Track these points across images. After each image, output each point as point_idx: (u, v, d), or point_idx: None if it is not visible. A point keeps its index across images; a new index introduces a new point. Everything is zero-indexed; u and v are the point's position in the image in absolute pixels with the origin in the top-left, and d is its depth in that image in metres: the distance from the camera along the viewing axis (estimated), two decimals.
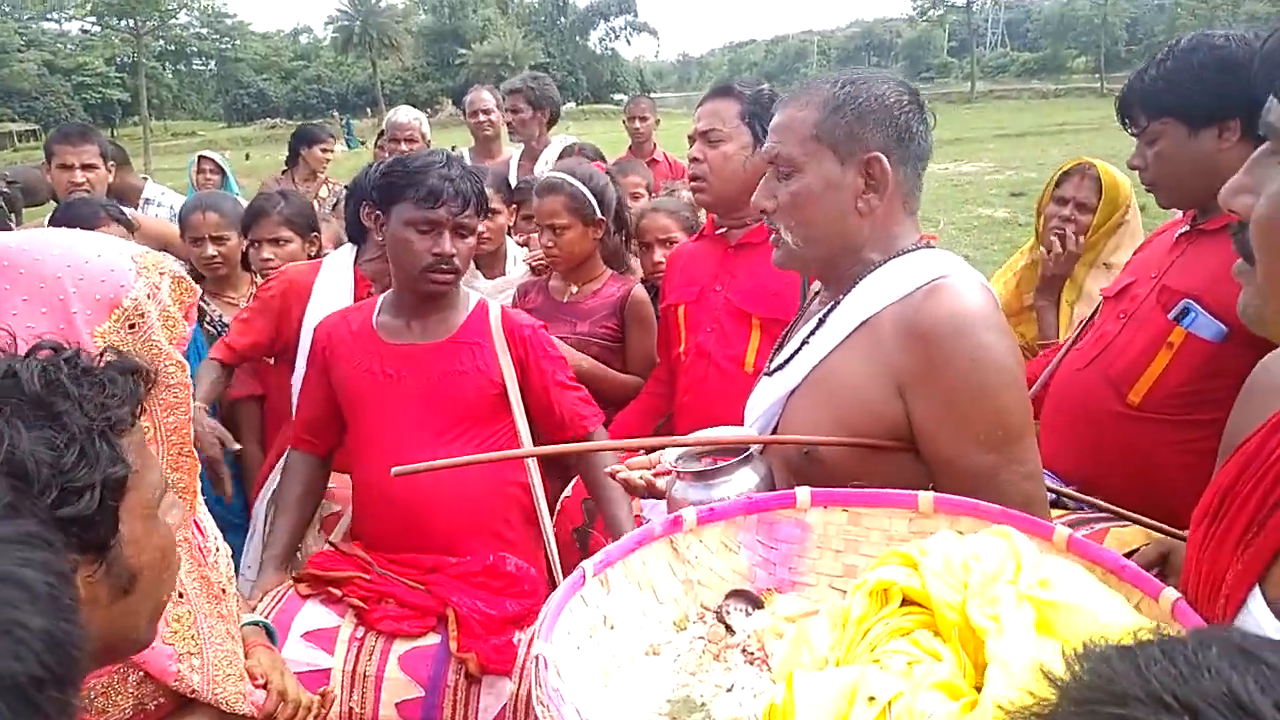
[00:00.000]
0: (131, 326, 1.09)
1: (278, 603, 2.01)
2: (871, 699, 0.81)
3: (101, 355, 0.86)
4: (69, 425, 0.78)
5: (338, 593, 2.02)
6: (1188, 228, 1.99)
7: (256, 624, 1.55)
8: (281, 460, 2.43)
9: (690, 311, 2.46)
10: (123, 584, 0.85)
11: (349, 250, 2.71)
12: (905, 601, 0.97)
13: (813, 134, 1.42)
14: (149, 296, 1.10)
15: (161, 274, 1.12)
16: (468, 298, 2.23)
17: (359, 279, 2.64)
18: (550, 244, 2.80)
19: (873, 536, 1.20)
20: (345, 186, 3.55)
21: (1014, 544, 0.96)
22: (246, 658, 1.42)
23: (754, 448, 1.51)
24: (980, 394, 1.31)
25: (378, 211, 2.19)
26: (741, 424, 1.60)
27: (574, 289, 2.87)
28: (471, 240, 2.15)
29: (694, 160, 2.40)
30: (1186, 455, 1.82)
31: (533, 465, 2.19)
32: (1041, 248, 2.82)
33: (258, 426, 2.92)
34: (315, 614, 2.00)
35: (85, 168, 3.69)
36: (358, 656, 1.95)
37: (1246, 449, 0.96)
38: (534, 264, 3.08)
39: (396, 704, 1.93)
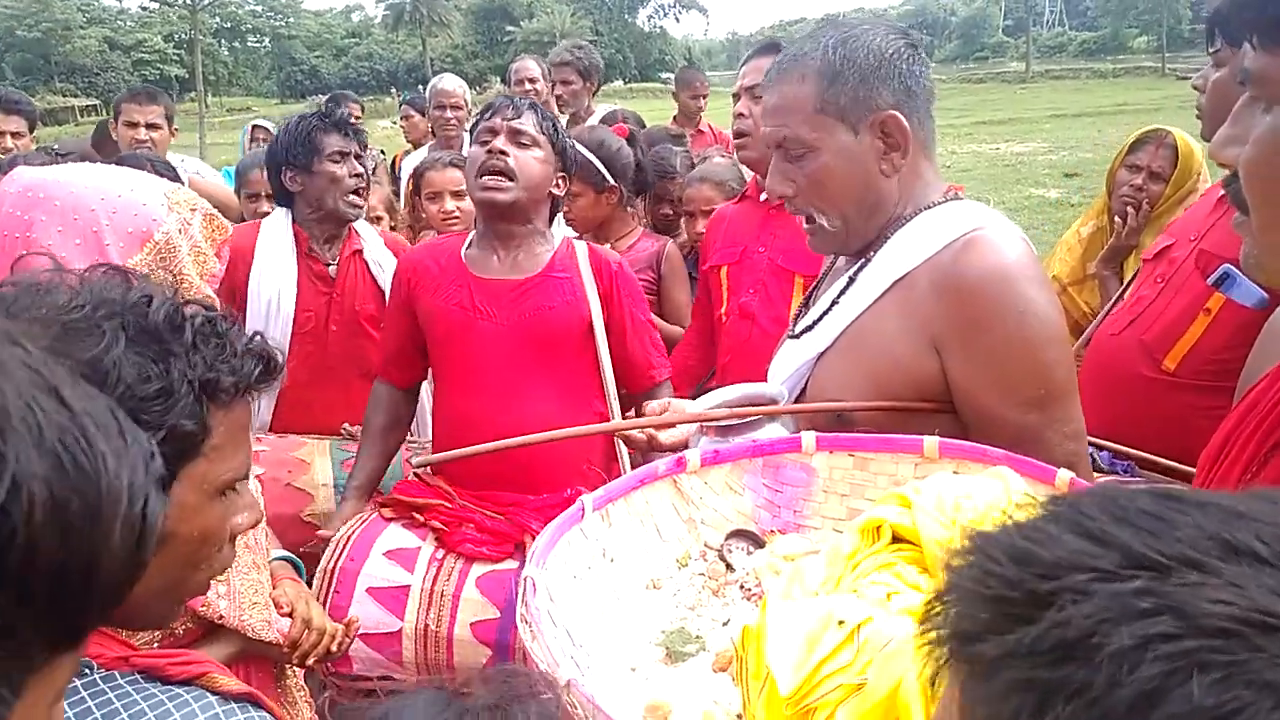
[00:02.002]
0: (162, 259, 1.14)
1: (362, 524, 2.07)
2: (841, 623, 0.83)
3: (252, 339, 0.88)
4: (169, 366, 0.79)
5: (420, 517, 2.07)
6: (1225, 191, 1.95)
7: (286, 559, 1.60)
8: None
9: (732, 272, 2.48)
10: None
11: (284, 214, 2.71)
12: (896, 539, 0.98)
13: (816, 108, 1.35)
14: (180, 231, 1.14)
15: (193, 210, 1.17)
16: (554, 235, 2.25)
17: (298, 234, 2.65)
18: (566, 209, 2.87)
19: (879, 481, 1.21)
20: (381, 151, 3.63)
21: (1008, 484, 0.97)
22: (273, 589, 1.47)
23: (781, 404, 1.51)
24: (1024, 350, 1.27)
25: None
26: None
27: (607, 245, 2.92)
28: (530, 156, 2.13)
29: (739, 116, 2.40)
30: (1220, 422, 1.80)
31: (615, 402, 2.18)
32: (1116, 217, 2.77)
33: None
34: (398, 535, 2.06)
35: (150, 126, 3.86)
36: (436, 575, 2.00)
37: (1251, 395, 0.96)
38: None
39: (471, 624, 1.96)
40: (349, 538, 2.03)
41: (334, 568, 1.98)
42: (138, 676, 0.83)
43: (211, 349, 0.83)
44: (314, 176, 2.57)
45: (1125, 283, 2.24)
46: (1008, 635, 0.38)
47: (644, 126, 4.19)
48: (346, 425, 2.54)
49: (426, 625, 1.96)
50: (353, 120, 2.74)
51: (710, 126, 5.49)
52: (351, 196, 2.60)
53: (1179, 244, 2.01)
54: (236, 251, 2.65)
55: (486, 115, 2.17)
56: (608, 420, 2.17)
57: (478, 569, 2.01)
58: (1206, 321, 1.87)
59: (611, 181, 2.84)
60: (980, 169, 14.52)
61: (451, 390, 2.16)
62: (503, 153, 2.08)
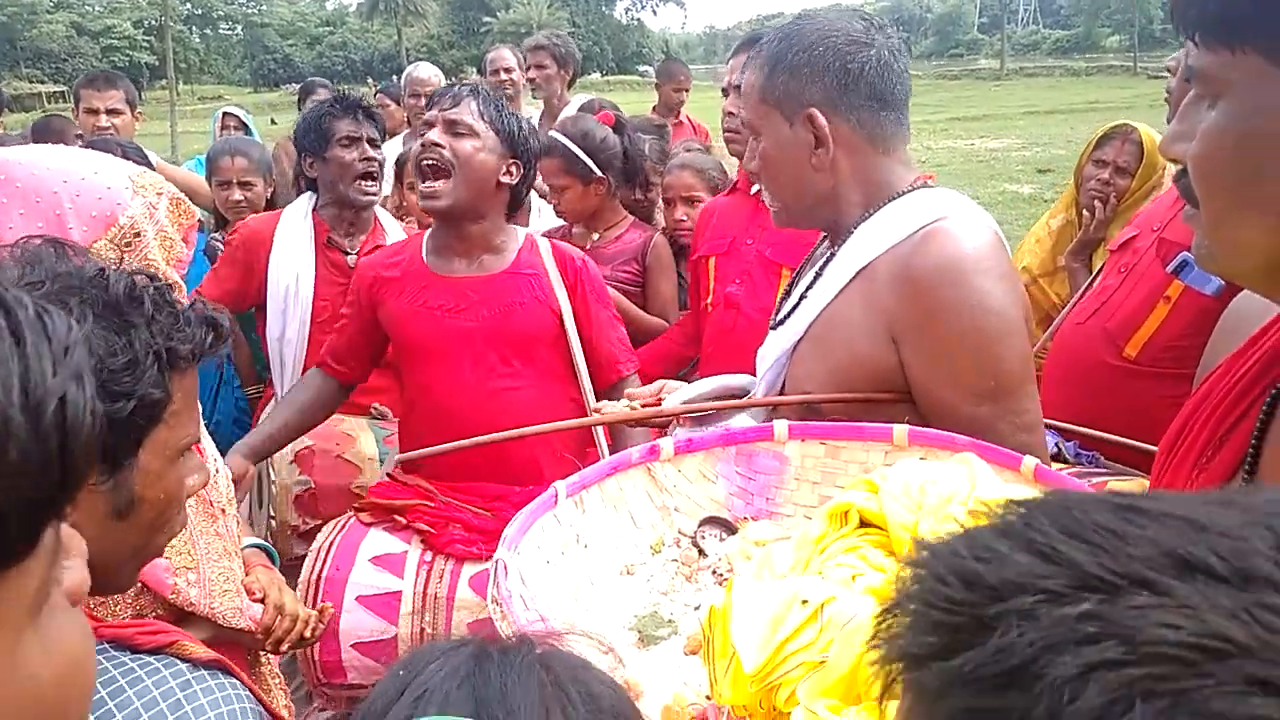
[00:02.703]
0: (127, 244, 1.12)
1: (341, 531, 2.02)
2: (804, 602, 0.85)
3: (194, 304, 0.90)
4: (133, 338, 0.81)
5: (402, 520, 2.03)
6: None
7: (259, 547, 1.59)
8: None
9: (720, 263, 2.50)
10: (120, 507, 0.87)
11: (307, 198, 2.73)
12: (864, 524, 1.00)
13: (760, 97, 1.40)
14: (146, 216, 1.13)
15: (159, 194, 1.15)
16: (516, 231, 2.22)
17: (318, 223, 2.66)
18: (555, 202, 2.90)
19: (850, 469, 1.23)
20: None
21: (972, 469, 0.98)
22: (246, 576, 1.46)
23: (753, 394, 1.52)
24: (973, 343, 1.28)
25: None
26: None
27: (595, 236, 2.94)
28: (468, 147, 2.08)
29: (729, 114, 2.41)
30: (1180, 409, 1.83)
31: (590, 396, 2.16)
32: (1084, 210, 2.81)
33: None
34: (381, 540, 2.01)
35: (110, 112, 3.77)
36: (428, 579, 1.97)
37: (1206, 383, 0.98)
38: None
39: (468, 625, 1.93)
40: (330, 545, 1.99)
41: (318, 577, 1.94)
42: (107, 646, 0.84)
43: (167, 318, 0.85)
44: (327, 163, 2.58)
45: (1093, 274, 2.28)
46: (952, 661, 0.38)
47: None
48: (376, 405, 2.56)
49: (422, 629, 1.94)
50: (367, 105, 2.70)
51: (689, 118, 5.50)
52: (361, 182, 2.59)
53: (1142, 235, 2.05)
54: (257, 238, 2.67)
55: (427, 106, 2.15)
56: (584, 411, 2.16)
57: (469, 569, 1.98)
58: (1167, 309, 1.90)
59: (598, 173, 2.82)
60: (955, 164, 14.63)
61: (426, 389, 2.13)
62: (436, 144, 2.03)
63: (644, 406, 1.59)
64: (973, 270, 1.27)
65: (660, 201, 3.19)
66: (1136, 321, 1.94)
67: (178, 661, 0.84)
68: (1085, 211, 2.79)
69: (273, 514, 2.44)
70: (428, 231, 2.23)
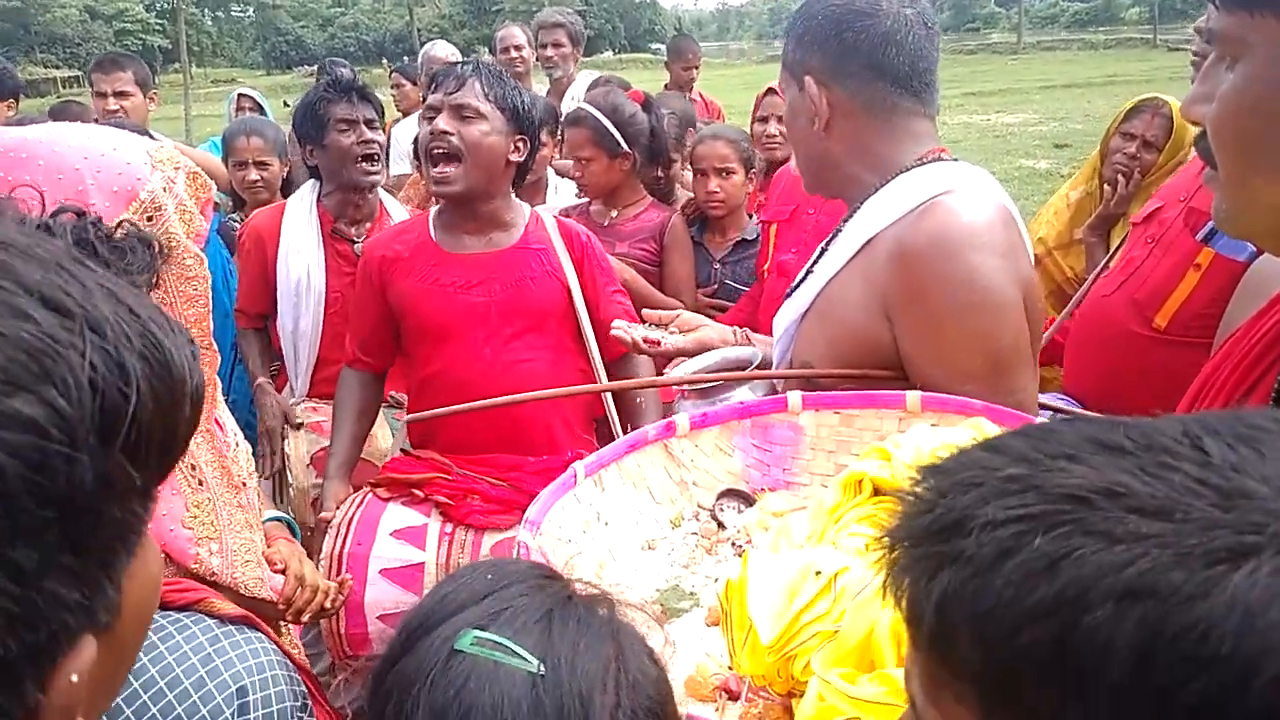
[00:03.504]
0: (149, 219, 1.13)
1: (359, 507, 2.03)
2: (818, 573, 0.85)
3: (118, 226, 0.89)
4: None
5: (420, 493, 2.04)
6: None
7: (279, 520, 1.61)
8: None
9: (781, 230, 2.55)
10: None
11: (311, 188, 2.72)
12: (877, 492, 1.00)
13: (782, 64, 1.48)
14: (165, 189, 1.14)
15: (176, 168, 1.16)
16: (523, 207, 2.23)
17: (322, 214, 2.66)
18: (579, 174, 2.89)
19: (865, 437, 1.23)
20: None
21: (983, 432, 0.99)
22: (267, 548, 1.48)
23: (754, 366, 1.54)
24: (963, 320, 1.25)
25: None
26: None
27: (614, 213, 2.93)
28: (474, 131, 2.06)
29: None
30: None
31: (599, 368, 2.18)
32: (1106, 184, 2.78)
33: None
34: (401, 514, 2.03)
35: (118, 95, 3.76)
36: (449, 549, 1.99)
37: (1226, 345, 0.98)
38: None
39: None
40: (350, 521, 2.00)
41: (341, 553, 1.96)
42: None
43: (113, 253, 0.84)
44: (326, 149, 2.56)
45: (1114, 248, 2.26)
46: (914, 525, 0.47)
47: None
48: (393, 393, 2.56)
49: None
50: (361, 86, 2.67)
51: (702, 96, 5.46)
52: (363, 164, 2.57)
53: (1168, 206, 2.04)
54: (263, 233, 2.68)
55: (431, 89, 2.12)
56: (597, 378, 2.18)
57: (489, 538, 2.00)
58: (1196, 277, 1.90)
59: (625, 147, 2.81)
60: (971, 140, 14.48)
61: (442, 368, 2.13)
62: (445, 133, 2.02)
63: (645, 342, 1.65)
64: (965, 245, 1.25)
65: (680, 181, 3.18)
66: (1166, 291, 1.94)
67: (206, 618, 0.86)
68: (1107, 186, 2.75)
69: (290, 497, 2.46)
70: (434, 210, 2.23)
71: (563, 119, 3.14)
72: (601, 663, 0.68)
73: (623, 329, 1.65)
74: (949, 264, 1.25)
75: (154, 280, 0.88)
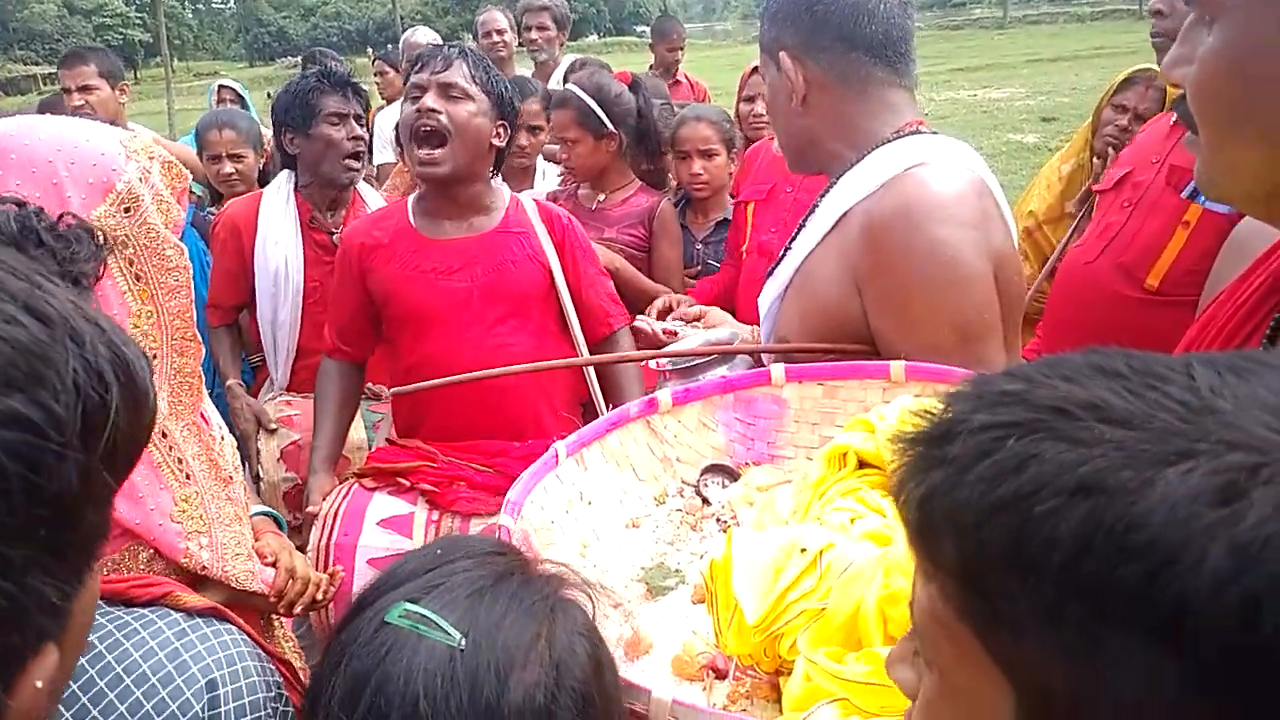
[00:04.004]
0: (126, 210, 1.12)
1: (345, 497, 2.03)
2: (803, 550, 0.86)
3: (61, 218, 0.88)
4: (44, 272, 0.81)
5: (406, 482, 2.04)
6: None
7: (266, 514, 1.61)
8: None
9: (759, 209, 2.53)
10: None
11: (286, 177, 2.71)
12: (862, 464, 1.00)
13: (760, 46, 1.48)
14: (141, 180, 1.13)
15: (151, 158, 1.15)
16: (503, 191, 2.22)
17: (300, 204, 2.65)
18: (565, 156, 2.88)
19: (849, 408, 1.23)
20: None
21: None
22: (256, 542, 1.48)
23: (736, 344, 1.55)
24: (930, 292, 1.25)
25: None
26: None
27: (601, 197, 2.92)
28: (464, 111, 2.05)
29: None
30: None
31: (583, 350, 2.19)
32: (1096, 156, 2.77)
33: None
34: (387, 503, 2.02)
35: (82, 90, 3.68)
36: (437, 536, 1.98)
37: (1210, 307, 0.98)
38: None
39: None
40: (336, 512, 2.00)
41: (328, 544, 1.96)
42: (102, 603, 0.84)
43: (58, 240, 0.84)
44: (311, 140, 2.54)
45: (1080, 217, 2.27)
46: (917, 435, 0.50)
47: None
48: (370, 385, 2.55)
49: None
50: (354, 81, 2.66)
51: (687, 77, 5.44)
52: (349, 161, 2.57)
53: (1140, 168, 2.05)
54: (239, 223, 2.65)
55: (415, 69, 2.10)
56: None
57: (477, 524, 2.00)
58: (1186, 234, 1.91)
59: (610, 128, 2.80)
60: (958, 115, 14.44)
61: (427, 354, 2.11)
62: (433, 110, 2.01)
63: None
64: (930, 216, 1.25)
65: (672, 165, 3.16)
66: (1155, 251, 1.95)
67: (172, 612, 0.85)
68: (1096, 158, 2.75)
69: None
70: (413, 196, 2.22)
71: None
72: (526, 639, 0.69)
73: (646, 322, 1.70)
74: (914, 236, 1.25)
75: (100, 270, 0.88)
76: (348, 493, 2.05)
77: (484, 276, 2.09)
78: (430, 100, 2.01)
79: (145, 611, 0.84)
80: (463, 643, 0.68)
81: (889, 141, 1.37)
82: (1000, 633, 0.46)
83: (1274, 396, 0.43)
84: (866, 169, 1.35)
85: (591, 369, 2.20)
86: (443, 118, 2.01)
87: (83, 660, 0.77)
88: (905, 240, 1.25)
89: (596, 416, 2.19)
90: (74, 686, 0.76)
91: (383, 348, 2.29)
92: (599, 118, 2.78)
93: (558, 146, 3.50)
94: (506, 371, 1.58)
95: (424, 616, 0.69)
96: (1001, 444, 0.45)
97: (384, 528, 1.99)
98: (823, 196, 1.41)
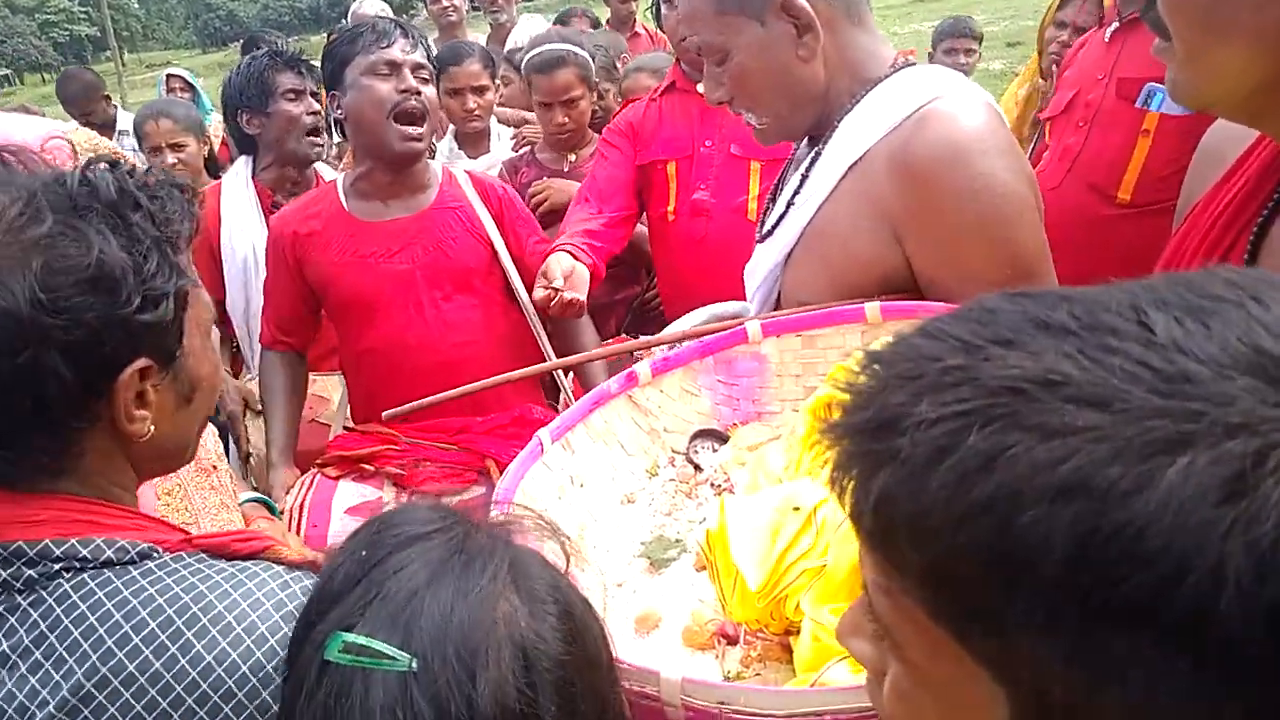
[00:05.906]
0: None
1: (309, 489, 1.98)
2: (797, 509, 0.84)
3: (147, 172, 0.87)
4: (141, 236, 0.80)
5: (370, 468, 2.01)
6: (1117, 24, 2.02)
7: (257, 500, 1.60)
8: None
9: (681, 167, 2.35)
10: (185, 393, 0.89)
11: (244, 163, 2.64)
12: None
13: (717, 9, 1.29)
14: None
15: (76, 149, 1.12)
16: (434, 166, 2.17)
17: (260, 190, 2.59)
18: (565, 120, 2.72)
19: (829, 356, 1.21)
20: None
21: None
22: (246, 528, 1.46)
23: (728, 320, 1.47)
24: (984, 230, 1.19)
25: (333, 91, 2.07)
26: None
27: (572, 156, 2.83)
28: (432, 91, 2.04)
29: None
30: None
31: (533, 317, 2.13)
32: (1043, 77, 2.76)
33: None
34: (353, 491, 1.98)
35: None
36: None
37: (1188, 219, 0.97)
38: (529, 140, 3.04)
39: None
40: (301, 505, 1.96)
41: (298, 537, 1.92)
42: (203, 554, 0.85)
43: (154, 201, 0.83)
44: (270, 118, 2.50)
45: (1032, 145, 2.26)
46: (853, 421, 0.45)
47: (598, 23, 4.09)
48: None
49: None
50: (307, 58, 2.62)
51: (645, 29, 5.33)
52: (310, 136, 2.54)
53: (1086, 87, 2.05)
54: (205, 213, 2.59)
55: (380, 43, 2.00)
56: (530, 332, 2.14)
57: (447, 500, 1.98)
58: (1148, 143, 1.92)
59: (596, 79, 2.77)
60: (923, 47, 14.35)
61: (375, 340, 2.06)
62: (420, 91, 1.98)
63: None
64: (975, 150, 1.18)
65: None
66: (1121, 165, 1.95)
67: (274, 565, 0.85)
68: (1042, 79, 2.73)
69: (255, 484, 2.43)
70: (342, 177, 2.16)
71: (522, 66, 2.98)
72: (480, 634, 0.63)
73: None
74: (961, 172, 1.18)
75: (194, 229, 0.88)
76: (311, 484, 2.00)
77: (425, 256, 2.04)
78: (413, 80, 1.99)
79: (248, 564, 0.84)
80: (413, 663, 0.62)
81: (886, 77, 1.29)
82: (986, 639, 0.42)
83: (1245, 348, 0.39)
84: (874, 107, 1.27)
85: (538, 325, 2.14)
86: (422, 97, 1.99)
87: (195, 608, 0.78)
88: (954, 178, 1.17)
89: (557, 384, 2.19)
90: (189, 633, 0.76)
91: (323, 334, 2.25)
92: (593, 69, 2.73)
93: (510, 110, 3.44)
94: (497, 382, 1.50)
95: (363, 647, 0.63)
96: (959, 439, 0.40)
97: (353, 515, 1.95)
98: (823, 145, 1.31)
